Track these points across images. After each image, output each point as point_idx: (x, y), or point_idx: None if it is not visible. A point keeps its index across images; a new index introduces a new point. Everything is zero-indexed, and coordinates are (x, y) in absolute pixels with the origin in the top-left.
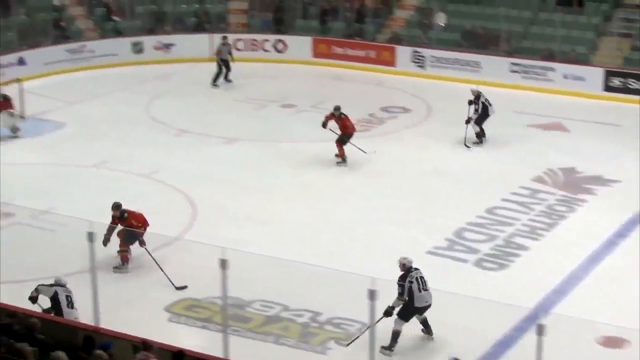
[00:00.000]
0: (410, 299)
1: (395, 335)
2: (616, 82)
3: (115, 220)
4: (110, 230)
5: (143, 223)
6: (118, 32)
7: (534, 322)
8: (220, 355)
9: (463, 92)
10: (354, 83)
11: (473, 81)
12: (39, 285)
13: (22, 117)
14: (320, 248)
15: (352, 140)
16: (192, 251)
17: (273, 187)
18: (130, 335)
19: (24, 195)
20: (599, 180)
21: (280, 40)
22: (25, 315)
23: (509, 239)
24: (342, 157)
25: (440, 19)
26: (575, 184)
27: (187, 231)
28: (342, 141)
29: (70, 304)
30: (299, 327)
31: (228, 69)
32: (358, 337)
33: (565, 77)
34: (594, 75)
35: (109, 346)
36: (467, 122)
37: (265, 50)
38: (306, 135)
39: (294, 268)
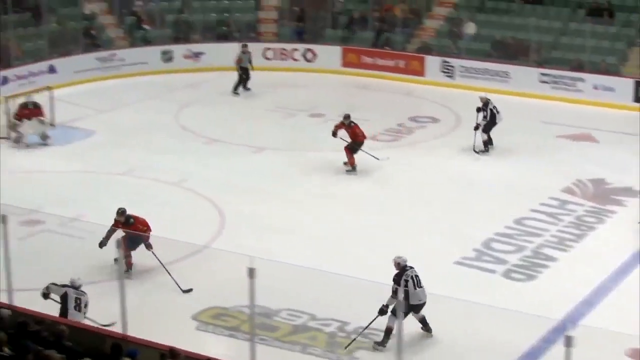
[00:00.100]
0: (405, 297)
1: (388, 332)
2: None
3: (118, 224)
4: (109, 233)
5: (147, 227)
6: (148, 41)
7: (562, 333)
8: None
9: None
10: (382, 92)
11: (502, 91)
12: (50, 284)
13: (52, 124)
14: (348, 257)
15: (363, 147)
16: (220, 260)
17: (301, 196)
18: (157, 344)
19: (53, 203)
20: (629, 192)
21: (309, 50)
22: (54, 322)
23: (537, 250)
24: (352, 166)
25: (470, 29)
26: (604, 195)
27: (214, 240)
28: (352, 149)
29: (78, 307)
30: (326, 336)
31: (247, 77)
32: (355, 338)
33: (595, 87)
34: (624, 86)
35: (136, 354)
36: (476, 128)
37: (295, 60)
38: (334, 144)
39: (321, 277)
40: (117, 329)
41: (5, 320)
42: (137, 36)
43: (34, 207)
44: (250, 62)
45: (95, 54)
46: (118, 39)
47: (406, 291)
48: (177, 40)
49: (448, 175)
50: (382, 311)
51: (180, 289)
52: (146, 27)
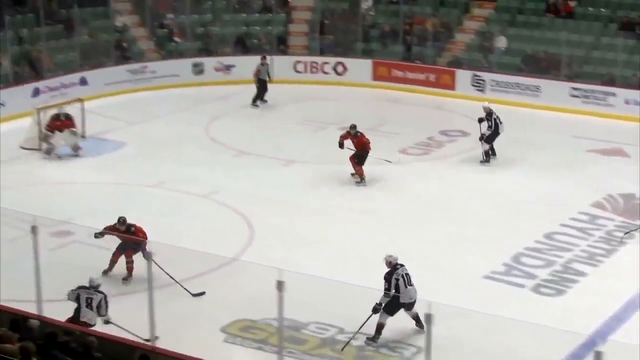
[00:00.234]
0: (396, 295)
1: (380, 327)
2: None
3: (115, 230)
4: (106, 229)
5: (145, 237)
6: (179, 53)
7: (591, 349)
8: None
9: (523, 117)
10: (413, 106)
11: (533, 106)
12: (68, 292)
13: (82, 136)
14: (377, 271)
15: (372, 153)
16: (249, 272)
17: (330, 209)
18: (185, 355)
19: (83, 214)
20: None
21: (340, 63)
22: (83, 333)
23: (567, 264)
24: (361, 177)
25: (501, 43)
26: (634, 210)
27: (244, 252)
28: (359, 159)
29: (89, 305)
30: (355, 350)
31: (265, 89)
32: (350, 340)
33: (627, 102)
34: None
35: None
36: (481, 138)
37: (325, 73)
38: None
39: (350, 290)
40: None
41: (35, 331)
42: (168, 49)
43: (64, 218)
44: (268, 74)
45: (126, 66)
46: (149, 51)
47: (397, 289)
48: (208, 53)
49: (478, 189)
50: (376, 309)
51: (190, 293)
52: (177, 39)
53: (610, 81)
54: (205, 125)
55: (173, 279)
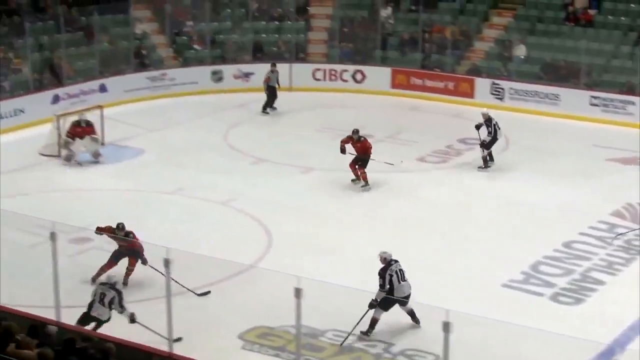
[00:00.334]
0: (391, 290)
1: (374, 322)
2: None
3: (111, 231)
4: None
5: (139, 244)
6: (198, 61)
7: (609, 358)
8: None
9: (542, 125)
10: (431, 114)
11: (552, 114)
12: None
13: (102, 143)
14: None
15: (374, 157)
16: (267, 279)
17: (348, 216)
18: None
19: (102, 221)
20: None
21: (358, 71)
22: (101, 339)
23: (586, 273)
24: (365, 181)
25: (520, 51)
26: None
27: (261, 259)
28: (362, 163)
29: (102, 301)
30: (372, 357)
31: (275, 96)
32: (349, 334)
33: None
34: None
35: None
36: (482, 145)
37: (344, 80)
38: (383, 165)
39: (368, 298)
40: (163, 347)
41: (53, 337)
42: (187, 56)
43: (83, 225)
44: (277, 81)
45: (145, 73)
46: (168, 58)
47: (391, 285)
48: (227, 60)
49: (496, 197)
50: (372, 305)
51: (195, 293)
52: (196, 47)
53: (630, 90)
54: (223, 133)
55: (177, 282)
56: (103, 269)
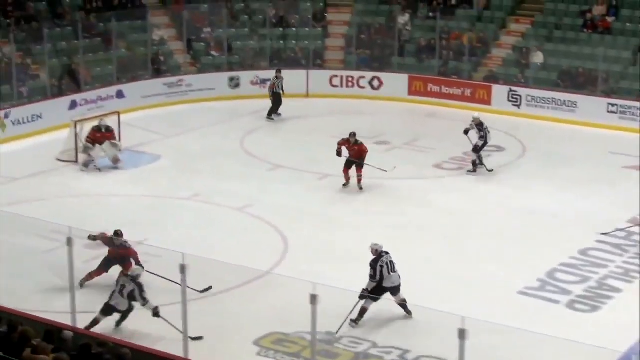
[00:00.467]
0: (381, 280)
1: (363, 311)
2: None
3: (111, 241)
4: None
5: (135, 254)
6: (215, 67)
7: None
8: None
9: (559, 132)
10: (448, 121)
11: (569, 121)
12: None
13: (119, 149)
14: (410, 285)
15: (368, 162)
16: (282, 285)
17: (364, 223)
18: None
19: (118, 226)
20: None
21: (376, 77)
22: (117, 345)
23: (602, 280)
24: (359, 183)
25: (538, 58)
26: None
27: (277, 265)
28: (355, 165)
29: (121, 292)
30: None
31: (280, 102)
32: (344, 322)
33: None
34: None
35: None
36: (474, 149)
37: (361, 87)
38: (399, 172)
39: (383, 304)
40: (178, 353)
41: (68, 343)
42: (204, 62)
43: (99, 230)
44: (282, 87)
45: (163, 79)
46: (186, 64)
47: (381, 275)
48: (244, 66)
49: (513, 204)
50: (363, 295)
51: (197, 290)
52: (214, 53)
53: None
54: (240, 139)
55: (175, 282)
56: (92, 275)
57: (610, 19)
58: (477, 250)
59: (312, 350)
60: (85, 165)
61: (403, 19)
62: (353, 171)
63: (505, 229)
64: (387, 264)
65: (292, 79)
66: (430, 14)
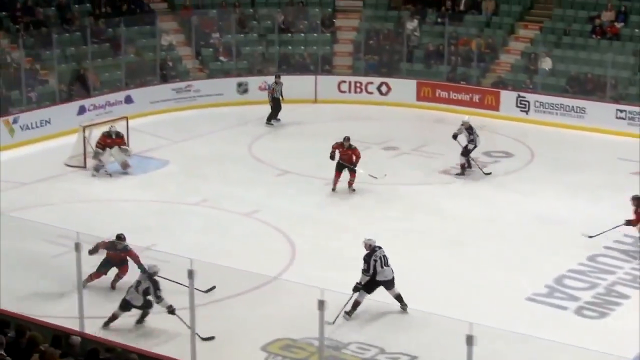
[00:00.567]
0: (374, 274)
1: (356, 304)
2: None
3: (113, 246)
4: (100, 244)
5: (137, 257)
6: (224, 72)
7: None
8: None
9: (568, 138)
10: (457, 127)
11: (578, 127)
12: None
13: (128, 155)
14: (418, 291)
15: (360, 169)
16: (290, 291)
17: (372, 228)
18: None
19: (126, 232)
20: None
21: (384, 83)
22: (124, 350)
23: (610, 287)
24: (350, 185)
25: (546, 64)
26: None
27: (285, 271)
28: (347, 169)
29: (137, 288)
30: None
31: (279, 108)
32: (339, 314)
33: None
34: None
35: None
36: (463, 152)
37: (369, 93)
38: (408, 178)
39: (392, 311)
40: (186, 358)
41: (76, 348)
42: (213, 68)
43: (107, 235)
44: (281, 93)
45: (171, 84)
46: (194, 70)
47: (375, 269)
48: (252, 72)
49: (521, 210)
50: (357, 288)
51: (201, 291)
52: (222, 58)
53: None
54: (248, 144)
55: (182, 284)
56: (91, 277)
57: (618, 25)
58: (485, 256)
59: (319, 356)
60: (96, 170)
61: (411, 24)
62: (345, 176)
63: (513, 234)
64: (380, 258)
65: (301, 84)
66: (439, 20)
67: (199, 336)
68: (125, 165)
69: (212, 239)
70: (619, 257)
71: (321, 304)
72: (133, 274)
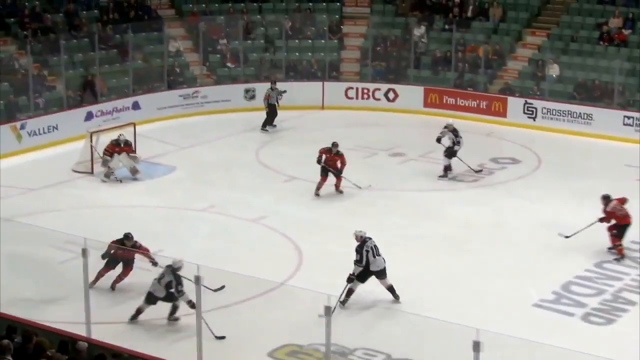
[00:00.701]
0: (367, 264)
1: (350, 292)
2: None
3: (122, 244)
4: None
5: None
6: (231, 79)
7: None
8: None
9: (575, 145)
10: (464, 133)
11: (585, 134)
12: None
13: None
14: (427, 297)
15: (345, 176)
16: (297, 297)
17: (379, 234)
18: None
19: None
20: None
21: (391, 89)
22: (131, 355)
23: (617, 293)
24: (337, 186)
25: (554, 71)
26: None
27: (292, 277)
28: (323, 171)
29: (160, 280)
30: None
31: (275, 114)
32: (335, 306)
33: None
34: None
35: None
36: (449, 154)
37: (376, 99)
38: (414, 184)
39: (398, 316)
40: None
41: (83, 353)
42: (220, 74)
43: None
44: (277, 99)
45: (178, 90)
46: (201, 76)
47: (367, 259)
48: (259, 78)
49: (528, 216)
50: (350, 279)
51: (211, 289)
52: (230, 65)
53: None
54: (255, 150)
55: (188, 278)
56: (101, 273)
57: (626, 32)
58: (492, 263)
59: None
60: (107, 176)
61: (419, 31)
62: (331, 180)
63: (520, 241)
64: (371, 248)
65: (308, 91)
66: (446, 26)
67: (213, 333)
68: (134, 171)
69: (219, 244)
70: (626, 263)
71: (328, 310)
72: (135, 276)
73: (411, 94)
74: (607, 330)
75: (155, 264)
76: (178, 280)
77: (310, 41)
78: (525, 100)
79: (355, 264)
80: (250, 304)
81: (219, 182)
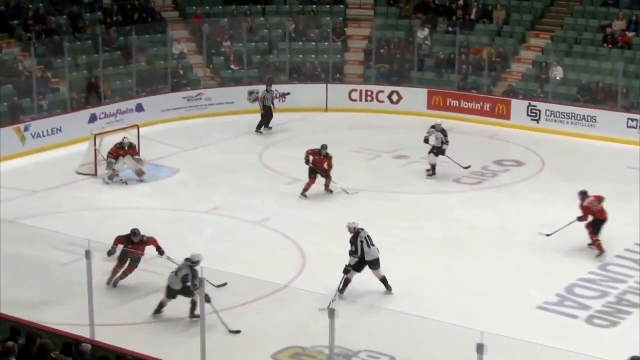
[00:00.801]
0: (362, 254)
1: (346, 282)
2: None
3: (129, 240)
4: (116, 241)
5: (155, 243)
6: (235, 81)
7: None
8: None
9: (578, 147)
10: (467, 135)
11: (589, 136)
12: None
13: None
14: (431, 299)
15: (335, 181)
16: (300, 299)
17: (383, 237)
18: None
19: None
20: None
21: (395, 92)
22: (135, 357)
23: (621, 296)
24: (326, 186)
25: (557, 73)
26: None
27: (296, 279)
28: (311, 172)
29: (177, 273)
30: None
31: (271, 116)
32: (333, 300)
33: None
34: None
35: None
36: (438, 153)
37: (380, 101)
38: (417, 186)
39: (402, 319)
40: None
41: (86, 355)
42: (224, 76)
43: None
44: (273, 101)
45: (182, 93)
46: (205, 78)
47: (362, 250)
48: (263, 80)
49: (531, 219)
50: (347, 270)
51: (213, 285)
52: (233, 67)
53: None
54: (259, 152)
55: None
56: (115, 270)
57: (630, 34)
58: (496, 265)
59: None
60: (110, 178)
61: (422, 33)
62: (319, 181)
63: (523, 243)
64: (365, 238)
65: (311, 93)
66: (450, 29)
67: (227, 327)
68: (140, 173)
69: (222, 246)
70: (630, 265)
71: (331, 312)
72: (136, 277)
73: (415, 96)
74: (611, 332)
75: (162, 253)
76: (194, 274)
77: (313, 43)
78: (529, 103)
79: (350, 254)
80: (253, 305)
81: (223, 184)
